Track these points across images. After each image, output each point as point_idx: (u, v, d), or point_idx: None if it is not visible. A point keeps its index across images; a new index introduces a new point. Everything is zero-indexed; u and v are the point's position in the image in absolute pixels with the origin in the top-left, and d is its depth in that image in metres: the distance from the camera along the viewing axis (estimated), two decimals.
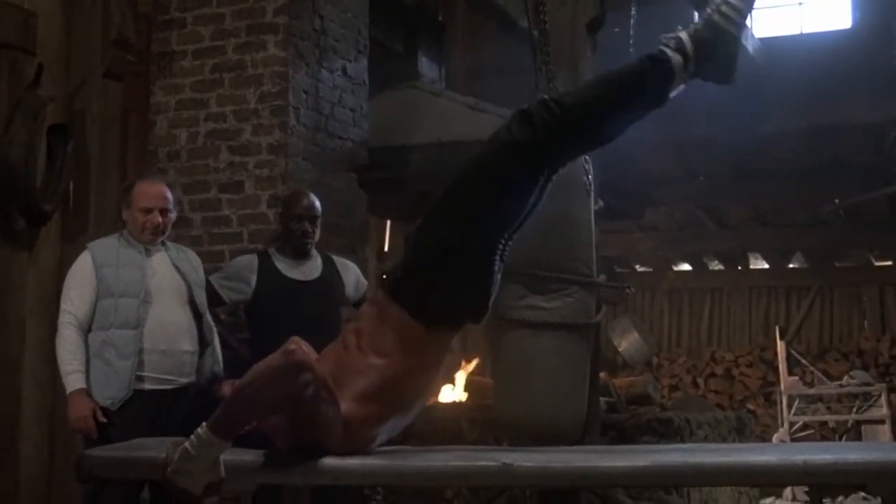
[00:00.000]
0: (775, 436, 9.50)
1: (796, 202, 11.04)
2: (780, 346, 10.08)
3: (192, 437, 2.57)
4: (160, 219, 4.28)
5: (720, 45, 2.94)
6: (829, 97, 9.26)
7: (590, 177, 4.19)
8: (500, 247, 2.93)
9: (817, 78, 9.12)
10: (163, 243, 4.37)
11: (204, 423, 2.57)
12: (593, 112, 2.90)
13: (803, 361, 10.57)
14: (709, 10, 2.97)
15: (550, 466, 2.77)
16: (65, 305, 4.18)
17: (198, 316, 4.35)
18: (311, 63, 5.72)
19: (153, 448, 2.83)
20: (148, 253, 4.29)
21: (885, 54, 9.15)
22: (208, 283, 4.58)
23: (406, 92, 7.25)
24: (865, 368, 10.82)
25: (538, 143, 2.86)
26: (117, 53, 5.54)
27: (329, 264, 4.92)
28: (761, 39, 10.11)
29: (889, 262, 11.71)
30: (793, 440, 9.08)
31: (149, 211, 4.26)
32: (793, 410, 9.59)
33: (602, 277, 4.42)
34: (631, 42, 4.92)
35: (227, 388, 4.03)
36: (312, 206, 4.81)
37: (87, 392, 4.07)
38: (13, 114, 4.88)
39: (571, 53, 4.62)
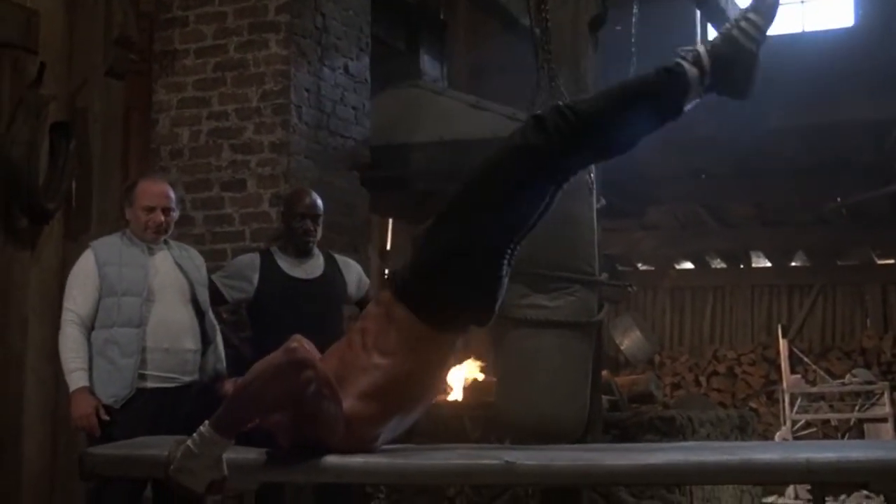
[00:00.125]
0: (778, 434, 9.50)
1: (798, 201, 11.03)
2: (783, 344, 10.08)
3: (194, 435, 2.57)
4: (163, 217, 4.28)
5: (738, 61, 2.93)
6: (831, 96, 9.25)
7: (592, 175, 4.19)
8: (509, 251, 2.93)
9: (819, 76, 9.11)
10: (165, 242, 4.38)
11: (206, 422, 2.57)
12: (607, 121, 2.89)
13: (806, 360, 10.57)
14: (728, 25, 2.96)
15: (553, 465, 2.77)
16: (68, 304, 4.18)
17: (200, 314, 4.35)
18: (312, 61, 5.72)
19: (156, 446, 2.83)
20: (151, 251, 4.30)
21: (887, 53, 9.14)
22: (210, 281, 4.58)
23: (408, 90, 7.25)
24: (868, 367, 10.81)
25: (551, 149, 2.85)
26: (119, 52, 5.55)
27: (331, 263, 4.92)
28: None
29: (891, 261, 11.70)
30: (795, 438, 9.07)
31: (151, 210, 4.26)
32: (795, 409, 9.59)
33: (604, 276, 4.42)
34: (633, 40, 4.91)
35: (229, 386, 4.05)
36: (314, 204, 4.81)
37: (91, 390, 4.08)
38: (15, 112, 4.89)
39: (573, 51, 4.61)
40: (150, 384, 4.15)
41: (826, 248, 11.68)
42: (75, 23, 5.39)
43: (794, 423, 9.49)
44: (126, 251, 4.26)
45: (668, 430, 5.51)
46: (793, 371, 10.00)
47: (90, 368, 4.11)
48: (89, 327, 4.15)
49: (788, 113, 9.17)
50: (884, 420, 9.29)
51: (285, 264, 4.79)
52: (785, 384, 9.77)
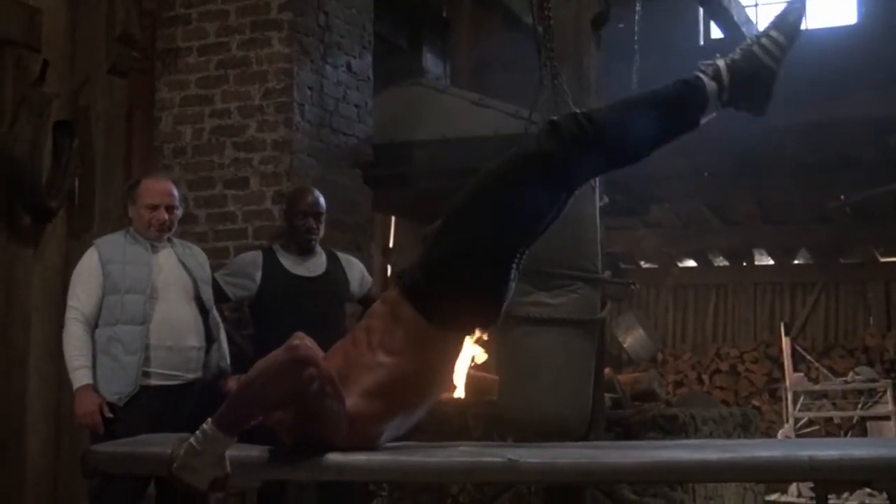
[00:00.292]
0: (780, 432, 9.50)
1: (801, 198, 11.02)
2: (786, 342, 10.07)
3: (197, 432, 2.57)
4: (166, 215, 4.29)
5: (757, 77, 2.93)
6: (834, 93, 9.24)
7: None
8: (518, 255, 2.93)
9: (823, 74, 9.09)
10: (169, 240, 4.38)
11: (209, 419, 2.58)
12: (622, 131, 2.89)
13: (808, 358, 10.56)
14: (749, 41, 2.96)
15: (556, 463, 2.77)
16: (71, 302, 4.19)
17: (204, 312, 4.36)
18: (315, 59, 5.72)
19: (159, 444, 2.83)
20: (154, 249, 4.30)
21: (891, 50, 9.13)
22: (213, 279, 4.58)
23: (410, 88, 7.25)
24: (871, 365, 10.80)
25: (564, 156, 2.84)
26: (122, 50, 5.55)
27: (333, 261, 4.92)
28: None
29: (894, 259, 11.69)
30: (798, 436, 9.07)
31: (155, 208, 4.27)
32: (798, 407, 9.58)
33: (607, 274, 4.41)
34: (636, 38, 4.91)
35: (232, 384, 4.05)
36: (317, 202, 4.81)
37: (94, 388, 4.08)
38: (18, 110, 4.89)
39: (576, 49, 4.61)
40: (153, 382, 4.16)
41: (829, 246, 11.67)
42: (78, 20, 5.40)
43: (796, 420, 9.48)
44: (129, 249, 4.26)
45: (670, 428, 5.50)
46: (795, 369, 10.00)
47: (94, 366, 4.12)
48: (93, 325, 4.16)
49: (791, 111, 9.12)
50: (886, 418, 9.29)
51: (288, 262, 4.79)
52: (788, 382, 9.77)
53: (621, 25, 4.93)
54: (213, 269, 4.64)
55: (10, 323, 4.95)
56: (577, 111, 2.93)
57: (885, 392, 9.44)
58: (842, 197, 10.61)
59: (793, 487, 8.34)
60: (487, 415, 5.45)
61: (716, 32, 10.46)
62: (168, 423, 3.83)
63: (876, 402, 9.49)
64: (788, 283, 12.11)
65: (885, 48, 9.25)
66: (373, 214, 6.61)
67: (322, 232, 4.84)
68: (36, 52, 5.06)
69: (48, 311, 5.06)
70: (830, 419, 9.96)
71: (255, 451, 2.76)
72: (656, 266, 12.69)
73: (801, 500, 8.13)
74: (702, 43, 11.03)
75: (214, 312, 4.46)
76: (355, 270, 5.01)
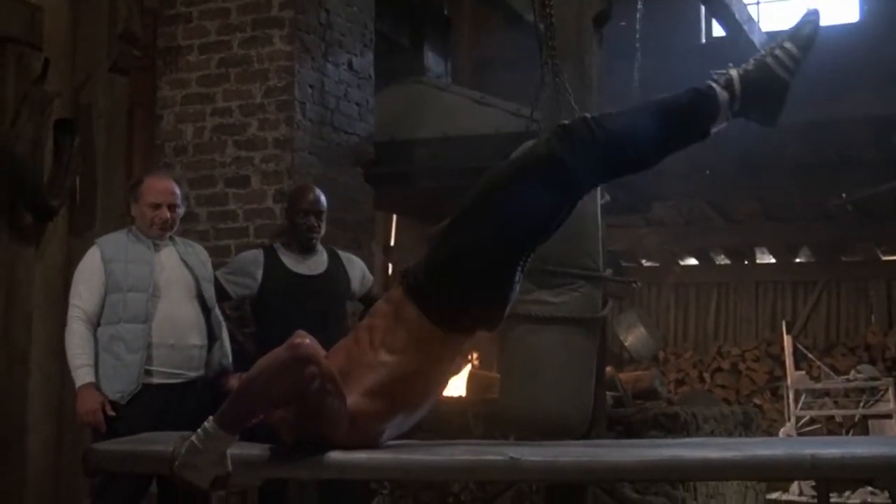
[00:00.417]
0: (782, 430, 9.49)
1: (803, 197, 11.01)
2: (787, 340, 10.07)
3: (198, 430, 2.57)
4: (168, 214, 4.29)
5: (769, 88, 2.93)
6: (835, 91, 9.22)
7: None
8: (523, 258, 2.93)
9: (824, 72, 9.05)
10: (171, 238, 4.38)
11: (211, 417, 2.58)
12: (632, 138, 2.88)
13: (810, 356, 10.56)
14: (763, 52, 2.95)
15: (557, 461, 2.77)
16: (74, 300, 4.19)
17: (206, 310, 4.36)
18: (316, 57, 5.72)
19: (160, 442, 2.83)
20: (156, 248, 4.31)
21: (892, 49, 9.11)
22: (214, 278, 4.58)
23: (412, 86, 7.25)
24: (872, 363, 10.79)
25: (573, 160, 2.84)
26: (123, 48, 5.55)
27: (334, 259, 4.92)
28: (768, 33, 10.09)
29: None
30: (799, 435, 9.06)
31: (157, 206, 4.27)
32: (799, 405, 9.58)
33: (608, 272, 4.41)
34: (637, 36, 4.91)
35: (234, 382, 4.05)
36: (318, 200, 4.81)
37: (97, 386, 4.09)
38: (20, 108, 4.89)
39: (577, 47, 4.61)
40: (155, 380, 4.16)
41: (830, 245, 11.66)
42: (79, 18, 5.40)
43: (798, 419, 9.48)
44: (132, 248, 4.26)
45: (672, 427, 5.50)
46: (797, 367, 9.99)
47: (96, 364, 4.12)
48: (95, 324, 4.17)
49: (793, 109, 9.09)
50: (888, 416, 9.28)
51: (289, 260, 4.79)
52: (789, 380, 9.76)
53: (623, 23, 4.93)
54: (215, 267, 4.64)
55: (12, 321, 4.96)
56: (588, 115, 2.92)
57: (886, 390, 9.44)
58: (843, 195, 10.60)
59: (794, 486, 8.33)
60: (489, 413, 5.45)
61: (718, 30, 10.46)
62: (170, 421, 3.82)
63: (878, 401, 9.49)
64: (790, 282, 12.10)
65: (887, 46, 9.24)
66: (374, 213, 6.60)
67: (323, 230, 4.84)
68: (37, 49, 5.06)
69: (50, 310, 5.06)
70: (832, 418, 9.96)
71: (256, 450, 2.75)
72: (658, 264, 12.68)
73: (803, 498, 8.12)
74: (703, 41, 11.02)
75: (217, 311, 4.46)
76: (356, 269, 5.01)
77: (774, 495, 8.14)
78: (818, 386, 9.86)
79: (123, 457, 2.90)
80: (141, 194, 4.30)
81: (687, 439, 4.87)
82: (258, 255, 4.85)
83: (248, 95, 5.61)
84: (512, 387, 4.23)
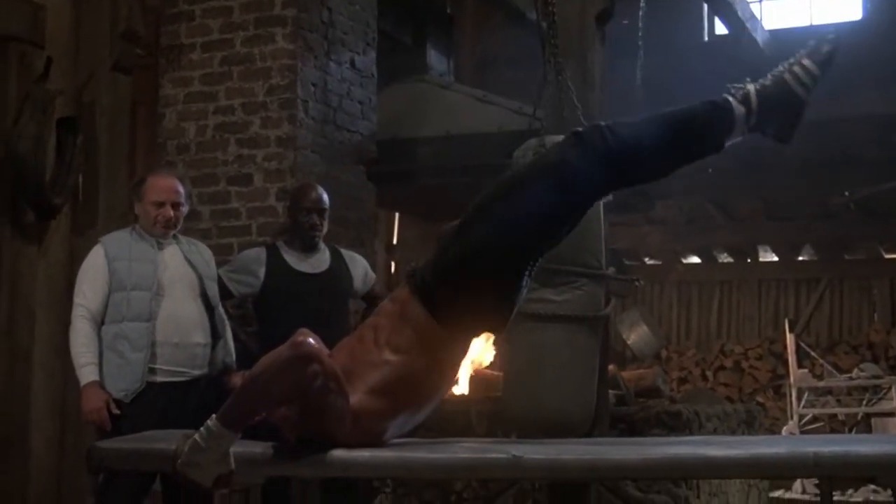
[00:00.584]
0: (785, 428, 9.48)
1: (805, 195, 11.00)
2: (790, 338, 10.05)
3: (201, 429, 2.57)
4: (172, 212, 4.29)
5: (786, 105, 2.92)
6: (838, 89, 9.19)
7: None
8: (531, 263, 2.93)
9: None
10: (175, 237, 4.39)
11: (213, 415, 2.58)
12: (646, 148, 2.88)
13: (813, 354, 10.54)
14: (781, 68, 2.94)
15: (560, 459, 2.77)
16: (78, 299, 4.20)
17: (210, 309, 4.36)
18: (319, 56, 5.72)
19: (163, 440, 2.84)
20: (160, 246, 4.31)
21: (895, 47, 9.10)
22: (217, 276, 4.59)
23: (414, 84, 7.24)
24: (875, 361, 10.78)
25: (585, 167, 2.84)
26: (126, 46, 5.55)
27: (337, 257, 4.92)
28: (770, 31, 10.08)
29: None
30: (802, 433, 9.06)
31: (161, 204, 4.27)
32: (802, 403, 9.57)
33: (611, 270, 4.41)
34: (640, 34, 4.91)
35: (237, 380, 4.05)
36: (321, 198, 4.81)
37: (101, 384, 4.09)
38: (22, 107, 4.90)
39: (580, 45, 4.61)
40: (159, 378, 4.17)
41: (833, 243, 11.65)
42: (82, 17, 5.40)
43: (801, 417, 9.47)
44: (135, 246, 4.26)
45: (674, 425, 5.50)
46: (800, 365, 9.98)
47: (100, 363, 4.13)
48: (99, 322, 4.17)
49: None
50: (891, 414, 9.27)
51: (291, 259, 4.80)
52: (792, 379, 9.75)
53: (625, 21, 4.93)
54: (218, 265, 4.64)
55: (15, 319, 4.96)
56: (602, 123, 2.91)
57: (889, 388, 9.43)
58: (846, 193, 10.59)
59: (797, 484, 8.32)
60: (491, 411, 5.45)
61: (720, 28, 10.45)
62: (174, 419, 3.82)
63: (880, 399, 9.48)
64: (793, 280, 12.09)
65: (890, 45, 9.23)
66: (376, 211, 6.61)
67: (325, 228, 4.84)
68: (40, 48, 5.06)
69: (53, 308, 5.07)
70: (835, 416, 9.95)
71: (259, 448, 2.76)
72: (660, 262, 12.67)
73: (806, 496, 8.11)
74: (706, 39, 11.02)
75: (220, 309, 4.47)
76: (359, 267, 5.01)
77: (777, 493, 8.14)
78: (821, 384, 9.85)
79: (127, 455, 2.91)
80: (144, 193, 4.30)
81: (690, 437, 4.86)
82: (261, 253, 4.85)
83: (250, 93, 5.61)
84: (515, 385, 4.23)
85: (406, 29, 7.82)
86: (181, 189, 4.38)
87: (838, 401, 9.86)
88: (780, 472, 3.14)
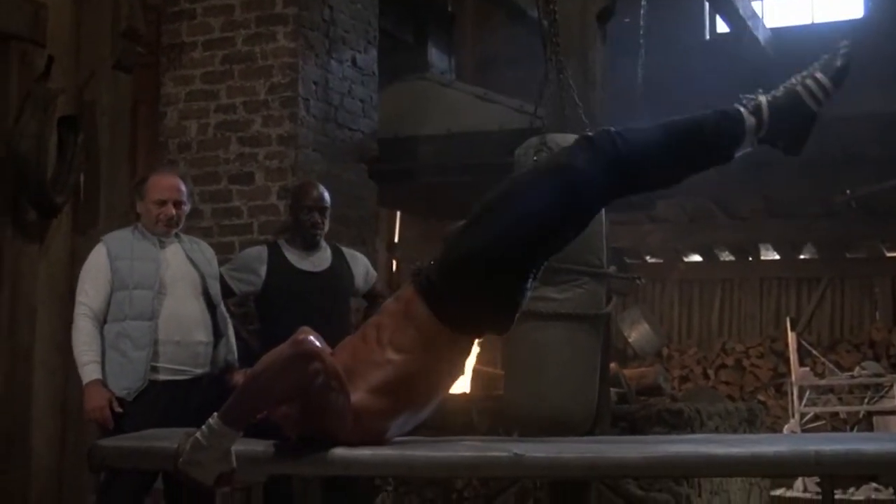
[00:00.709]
0: (786, 427, 9.47)
1: (807, 193, 11.00)
2: (791, 337, 10.04)
3: (203, 427, 2.57)
4: (174, 211, 4.29)
5: (797, 117, 2.92)
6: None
7: None
8: (537, 266, 2.93)
9: None
10: (177, 235, 4.39)
11: (215, 414, 2.58)
12: (655, 155, 2.87)
13: (814, 352, 10.54)
14: (794, 81, 2.94)
15: (561, 457, 2.77)
16: (80, 298, 4.20)
17: (212, 307, 4.37)
18: (320, 54, 5.72)
19: (165, 438, 2.84)
20: (162, 245, 4.31)
21: None
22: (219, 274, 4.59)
23: (416, 83, 7.24)
24: (877, 359, 10.78)
25: (594, 171, 2.84)
26: (127, 45, 5.55)
27: (338, 255, 4.92)
28: (772, 29, 10.08)
29: None
30: (804, 431, 9.05)
31: (163, 203, 4.28)
32: (804, 401, 9.56)
33: (612, 268, 4.41)
34: (641, 32, 4.91)
35: (239, 378, 4.05)
36: (322, 197, 4.81)
37: (103, 383, 4.09)
38: (23, 105, 4.90)
39: (581, 43, 4.61)
40: (161, 377, 4.17)
41: (835, 241, 11.65)
42: (83, 16, 5.40)
43: (802, 415, 9.47)
44: (137, 245, 4.27)
45: (676, 423, 5.50)
46: (801, 364, 9.97)
47: (103, 362, 4.13)
48: (102, 321, 4.17)
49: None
50: (893, 413, 9.26)
51: (293, 257, 4.80)
52: (793, 377, 9.75)
53: (627, 20, 4.94)
54: (219, 264, 4.64)
55: (16, 317, 4.96)
56: (612, 129, 2.90)
57: (891, 387, 9.42)
58: (847, 192, 10.58)
59: (798, 482, 8.32)
60: (493, 409, 5.45)
61: (722, 27, 10.45)
62: (176, 417, 3.83)
63: (882, 397, 9.46)
64: (794, 278, 12.09)
65: (891, 43, 9.23)
66: (378, 209, 6.61)
67: (327, 227, 4.85)
68: (41, 47, 5.06)
69: (54, 306, 5.07)
70: (836, 414, 9.94)
71: (260, 446, 2.76)
72: (662, 261, 12.68)
73: (807, 494, 8.11)
74: (707, 37, 11.02)
75: (222, 308, 4.47)
76: (360, 265, 5.01)
77: (778, 492, 8.14)
78: (822, 382, 9.84)
79: (128, 453, 2.91)
80: (146, 191, 4.31)
81: (691, 436, 4.87)
82: (262, 251, 4.85)
83: (251, 92, 5.61)
84: (516, 383, 4.23)
85: (407, 27, 7.82)
86: (183, 188, 4.39)
87: (840, 399, 9.84)
88: (782, 470, 3.14)
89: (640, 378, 7.01)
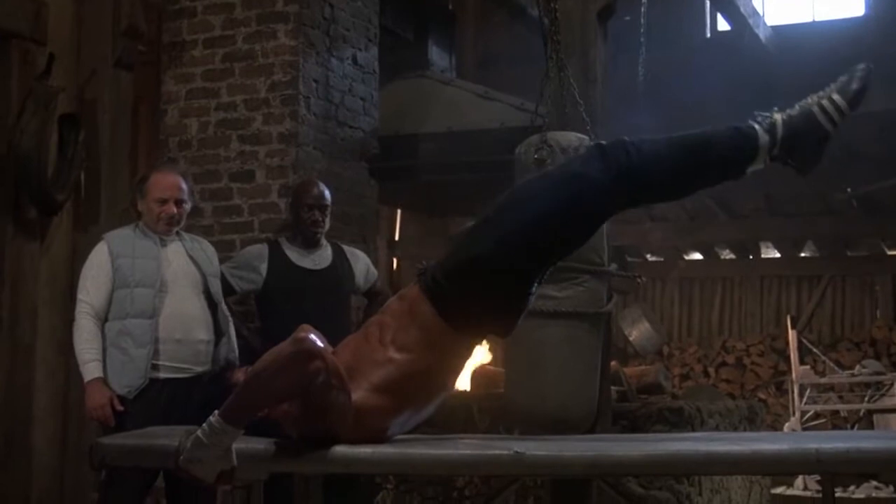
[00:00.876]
0: (787, 425, 9.48)
1: (808, 191, 10.99)
2: (792, 335, 10.04)
3: (204, 425, 2.57)
4: (175, 209, 4.30)
5: (811, 137, 2.93)
6: None
7: None
8: (542, 271, 2.94)
9: (829, 66, 9.03)
10: (178, 233, 4.39)
11: (216, 412, 2.58)
12: (667, 167, 2.87)
13: (815, 351, 10.53)
14: (810, 101, 2.94)
15: (562, 455, 2.77)
16: (81, 296, 4.21)
17: (213, 305, 4.37)
18: (321, 52, 5.71)
19: (166, 436, 2.84)
20: (163, 243, 4.31)
21: None
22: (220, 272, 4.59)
23: (416, 81, 7.24)
24: (877, 358, 10.77)
25: (606, 180, 2.84)
26: (128, 43, 5.55)
27: (339, 253, 4.92)
28: (773, 27, 10.08)
29: None
30: (804, 429, 9.05)
31: (164, 201, 4.28)
32: (804, 400, 9.56)
33: (613, 267, 4.41)
34: (642, 30, 4.90)
35: (240, 376, 4.06)
36: (323, 195, 4.81)
37: (105, 381, 4.09)
38: (24, 103, 4.90)
39: (582, 42, 4.61)
40: (162, 375, 4.17)
41: (835, 239, 11.64)
42: (84, 14, 5.40)
43: (803, 414, 9.47)
44: (139, 243, 4.27)
45: (676, 421, 5.50)
46: (802, 362, 9.97)
47: (104, 360, 4.13)
48: (103, 319, 4.18)
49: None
50: (893, 411, 9.25)
51: (293, 255, 4.80)
52: (794, 375, 9.75)
53: (627, 18, 4.93)
54: (219, 262, 4.64)
55: (17, 315, 4.96)
56: (627, 139, 2.90)
57: (892, 385, 9.41)
58: (848, 190, 10.58)
59: (799, 480, 8.33)
60: (494, 408, 5.45)
61: (723, 24, 10.45)
62: (177, 415, 3.84)
63: (883, 395, 9.46)
64: (795, 276, 12.08)
65: (892, 41, 9.23)
66: (378, 207, 6.61)
67: (328, 225, 4.85)
68: (42, 45, 5.07)
69: (55, 304, 5.07)
70: (837, 412, 9.94)
71: (261, 444, 2.76)
72: (662, 259, 12.67)
73: (808, 493, 8.12)
74: (708, 35, 11.01)
75: (223, 306, 4.47)
76: (360, 263, 5.01)
77: (779, 490, 8.15)
78: (823, 381, 9.84)
79: (129, 451, 2.91)
80: (148, 190, 4.31)
81: (692, 434, 4.87)
82: (263, 249, 4.85)
83: (252, 90, 5.61)
84: (517, 381, 4.23)
85: (408, 25, 7.81)
86: (184, 186, 4.39)
87: (840, 397, 9.85)
88: (783, 468, 3.14)
89: (641, 376, 7.00)
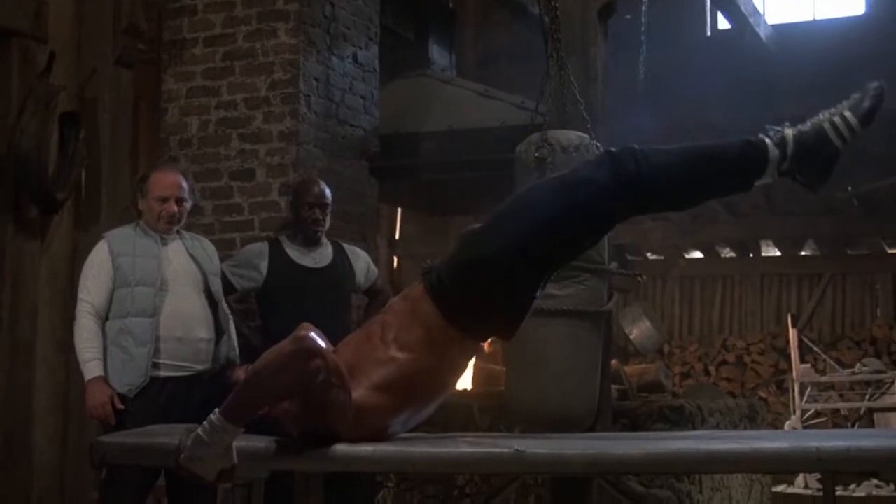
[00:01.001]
0: (787, 423, 9.48)
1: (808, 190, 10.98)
2: (792, 333, 10.04)
3: (204, 423, 2.57)
4: (176, 208, 4.30)
5: (821, 153, 2.91)
6: (841, 84, 9.17)
7: None
8: (547, 275, 2.94)
9: (830, 64, 9.07)
10: (178, 232, 4.39)
11: (216, 410, 2.58)
12: (676, 177, 2.88)
13: (815, 349, 10.53)
14: (821, 117, 2.93)
15: (563, 453, 2.77)
16: (82, 294, 4.21)
17: (213, 304, 4.37)
18: (321, 50, 5.71)
19: (167, 435, 2.84)
20: (164, 242, 4.31)
21: None
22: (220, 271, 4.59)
23: (417, 79, 7.23)
24: (878, 356, 10.77)
25: (614, 188, 2.84)
26: (128, 41, 5.55)
27: (339, 252, 4.92)
28: (774, 26, 10.07)
29: None
30: (805, 428, 9.05)
31: (165, 200, 4.28)
32: (805, 398, 9.56)
33: (614, 265, 4.41)
34: (642, 29, 4.90)
35: (240, 374, 4.06)
36: (323, 193, 4.82)
37: (105, 380, 4.10)
38: (25, 102, 4.91)
39: (582, 40, 4.61)
40: (163, 373, 4.18)
41: (836, 238, 11.64)
42: (84, 12, 5.40)
43: (803, 412, 9.46)
44: (139, 242, 4.27)
45: (677, 420, 5.50)
46: (802, 360, 9.97)
47: (105, 358, 4.13)
48: (103, 317, 4.18)
49: (798, 101, 9.13)
50: (894, 409, 9.26)
51: (294, 253, 4.80)
52: (794, 374, 9.74)
53: (628, 16, 4.93)
54: (220, 260, 4.64)
55: (17, 314, 4.97)
56: (637, 147, 2.90)
57: (892, 383, 9.41)
58: (849, 188, 10.58)
59: (799, 479, 8.33)
60: (494, 406, 5.45)
61: (723, 23, 10.44)
62: (177, 414, 3.84)
63: (883, 394, 9.46)
64: (795, 275, 12.09)
65: (893, 39, 9.22)
66: (379, 205, 6.60)
67: (328, 223, 4.85)
68: (42, 43, 5.07)
69: (55, 303, 5.07)
70: (837, 411, 9.94)
71: (262, 442, 2.76)
72: (663, 258, 12.67)
73: (808, 491, 8.12)
74: (709, 34, 11.00)
75: (224, 304, 4.47)
76: (361, 262, 5.01)
77: (780, 488, 8.15)
78: (823, 379, 9.84)
79: (130, 450, 2.91)
80: (148, 188, 4.31)
81: (692, 432, 4.87)
82: (263, 248, 4.85)
83: (253, 88, 5.60)
84: (517, 380, 4.23)
85: (408, 24, 7.80)
86: (185, 184, 4.39)
87: (841, 396, 9.85)
88: (783, 466, 3.14)
89: (642, 375, 7.01)
